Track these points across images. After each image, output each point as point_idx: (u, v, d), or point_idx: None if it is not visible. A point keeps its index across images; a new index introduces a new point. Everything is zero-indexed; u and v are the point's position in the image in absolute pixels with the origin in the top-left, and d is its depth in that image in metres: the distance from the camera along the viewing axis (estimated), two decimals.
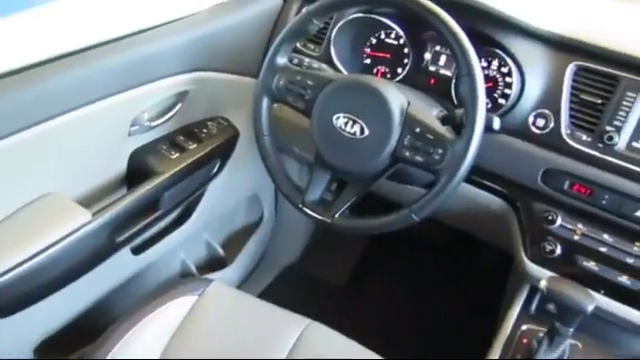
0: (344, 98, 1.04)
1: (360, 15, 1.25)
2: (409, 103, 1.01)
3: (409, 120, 0.99)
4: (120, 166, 1.26)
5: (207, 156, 1.33)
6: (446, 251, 1.92)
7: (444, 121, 1.03)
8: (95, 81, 1.07)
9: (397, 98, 1.01)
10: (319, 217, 1.08)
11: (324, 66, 1.22)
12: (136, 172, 1.26)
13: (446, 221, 1.45)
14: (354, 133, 1.01)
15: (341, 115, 1.03)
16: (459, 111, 1.00)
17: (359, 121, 1.01)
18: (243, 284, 1.82)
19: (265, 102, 1.13)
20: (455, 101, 1.18)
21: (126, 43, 1.13)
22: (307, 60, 1.20)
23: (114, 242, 1.16)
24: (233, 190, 1.60)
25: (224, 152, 1.41)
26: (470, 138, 0.94)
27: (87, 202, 1.19)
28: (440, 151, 0.96)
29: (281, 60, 1.11)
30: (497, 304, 1.42)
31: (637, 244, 1.05)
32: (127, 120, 1.19)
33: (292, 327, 1.09)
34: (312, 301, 1.49)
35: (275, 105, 1.15)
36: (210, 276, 1.62)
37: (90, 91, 1.07)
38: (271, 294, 1.81)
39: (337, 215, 1.06)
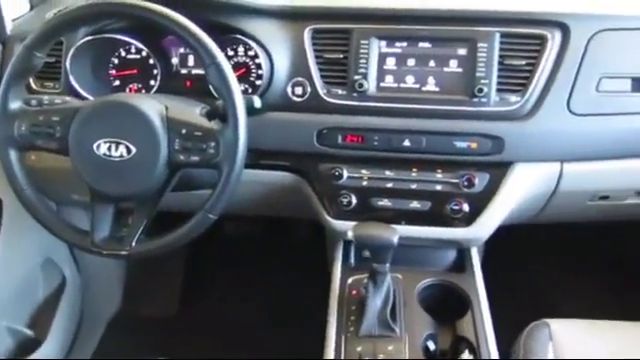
0: (98, 123, 0.97)
1: (91, 38, 1.18)
2: (167, 108, 0.98)
3: (172, 124, 0.96)
4: None
5: None
6: (263, 241, 1.94)
7: (209, 116, 1.02)
8: None
9: (153, 107, 0.98)
10: (116, 252, 1.01)
11: (68, 99, 1.13)
12: None
13: (249, 212, 1.46)
14: (121, 155, 0.96)
15: (101, 142, 0.96)
16: (219, 102, 1.00)
17: (122, 142, 0.96)
18: (70, 353, 1.65)
19: (12, 154, 1.01)
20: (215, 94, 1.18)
21: None
22: (47, 98, 1.10)
23: None
24: (17, 263, 1.43)
25: None
26: (236, 122, 0.94)
27: None
28: (213, 144, 0.95)
29: (15, 105, 1.00)
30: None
31: (414, 170, 1.16)
32: None
33: None
34: (150, 341, 1.41)
35: (33, 157, 1.04)
36: None
37: None
38: (105, 352, 1.67)
39: (134, 244, 1.00)
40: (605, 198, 1.25)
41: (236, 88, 0.95)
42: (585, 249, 1.85)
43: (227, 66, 0.96)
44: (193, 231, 0.99)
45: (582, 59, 1.09)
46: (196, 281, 1.91)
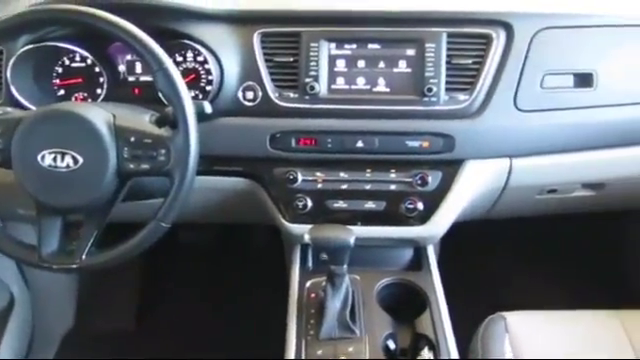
0: (43, 133, 0.94)
1: (32, 46, 1.14)
2: (114, 116, 0.96)
3: (120, 132, 0.94)
4: None
5: None
6: (220, 249, 1.92)
7: (159, 123, 1.00)
8: None
9: (100, 115, 0.95)
10: (65, 266, 0.98)
11: (10, 109, 1.09)
12: None
13: (204, 220, 1.44)
14: (67, 166, 0.93)
15: (46, 152, 0.93)
16: (168, 108, 0.98)
17: (68, 152, 0.93)
18: None
19: None
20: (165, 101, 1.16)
21: None
22: None
23: None
24: None
25: None
26: (186, 128, 0.93)
27: None
28: (163, 151, 0.93)
29: None
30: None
31: (368, 170, 1.16)
32: None
33: None
34: (106, 356, 1.37)
35: None
36: None
37: None
38: None
39: (84, 257, 0.97)
40: (553, 192, 1.29)
41: (185, 93, 0.94)
42: (537, 243, 1.90)
43: (175, 71, 0.94)
44: (146, 241, 0.96)
45: (526, 57, 1.12)
46: (152, 292, 1.87)
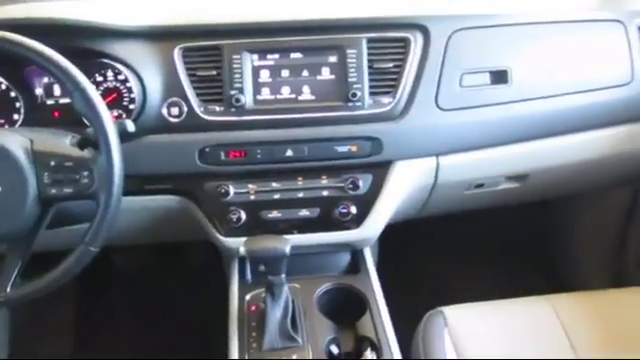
0: None
1: None
2: (32, 141, 0.93)
3: (39, 157, 0.91)
4: None
5: None
6: (158, 269, 1.88)
7: (81, 145, 0.98)
8: None
9: (16, 141, 0.92)
10: None
11: None
12: None
13: (138, 241, 1.41)
14: None
15: None
16: (89, 129, 0.96)
17: None
18: None
19: None
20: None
21: None
22: None
23: None
24: None
25: None
26: (109, 148, 0.91)
27: None
28: (86, 173, 0.91)
29: None
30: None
31: (300, 178, 1.17)
32: None
33: None
34: None
35: None
36: None
37: None
38: None
39: (9, 289, 0.93)
40: (480, 186, 1.33)
41: (105, 113, 0.92)
42: (471, 236, 1.96)
43: (93, 91, 0.92)
44: (75, 267, 0.93)
45: (444, 58, 1.15)
46: (90, 319, 1.81)
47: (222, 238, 1.16)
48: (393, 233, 1.36)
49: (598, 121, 1.28)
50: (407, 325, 1.21)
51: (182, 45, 1.12)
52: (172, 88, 1.12)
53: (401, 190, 1.19)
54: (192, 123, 1.12)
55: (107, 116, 0.92)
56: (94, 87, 0.94)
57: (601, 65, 1.24)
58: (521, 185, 1.36)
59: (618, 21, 1.24)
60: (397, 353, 1.05)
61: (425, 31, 1.15)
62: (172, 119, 1.12)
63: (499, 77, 1.18)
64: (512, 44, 1.20)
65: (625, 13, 1.25)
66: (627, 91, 1.24)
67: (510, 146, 1.24)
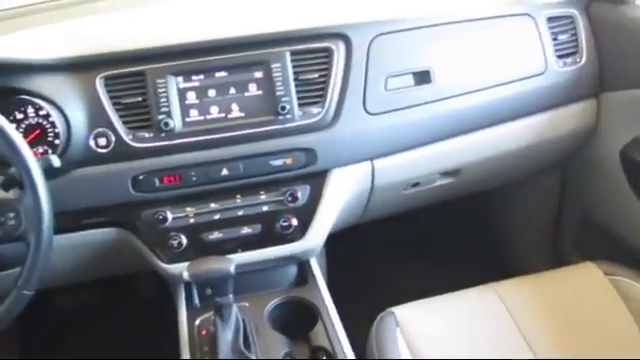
0: None
1: None
2: None
3: None
4: None
5: None
6: (105, 305, 1.82)
7: (6, 186, 0.94)
8: None
9: None
10: None
11: None
12: None
13: (80, 278, 1.37)
14: None
15: None
16: (12, 169, 0.93)
17: None
18: None
19: None
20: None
21: None
22: None
23: None
24: None
25: None
26: (34, 186, 0.88)
27: None
28: (12, 215, 0.88)
29: None
30: None
31: (238, 196, 1.16)
32: None
33: None
34: None
35: None
36: None
37: None
38: None
39: None
40: (417, 185, 1.36)
41: (26, 151, 0.89)
42: (416, 235, 2.00)
43: (11, 129, 0.89)
44: (9, 313, 0.90)
45: (367, 63, 1.17)
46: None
47: (165, 265, 1.14)
48: (339, 240, 1.37)
49: (519, 111, 1.33)
50: (361, 330, 1.22)
51: (103, 74, 1.10)
52: (97, 118, 1.09)
53: (340, 197, 1.21)
54: (122, 152, 1.10)
55: (29, 154, 0.89)
56: (13, 126, 0.91)
57: (517, 57, 1.30)
58: (456, 180, 1.40)
59: (527, 14, 1.30)
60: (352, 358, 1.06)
61: (346, 39, 1.17)
62: (100, 150, 1.09)
63: (422, 78, 1.21)
64: (432, 45, 1.24)
65: (533, 6, 1.31)
66: (543, 80, 1.31)
67: (440, 143, 1.28)
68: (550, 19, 1.32)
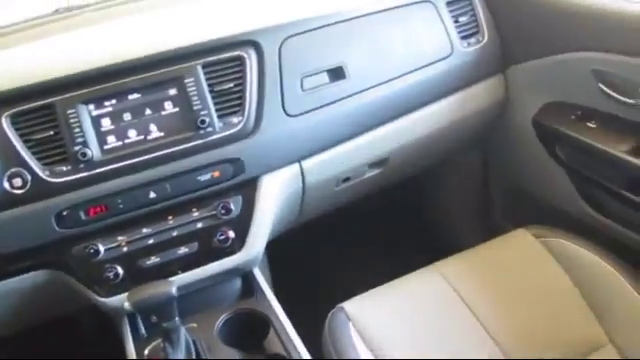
0: None
1: None
2: None
3: None
4: None
5: None
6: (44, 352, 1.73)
7: None
8: None
9: None
10: None
11: None
12: None
13: (15, 328, 1.30)
14: None
15: None
16: None
17: None
18: None
19: None
20: None
21: None
22: None
23: None
24: None
25: None
26: None
27: None
28: None
29: None
30: None
31: (170, 218, 1.14)
32: None
33: None
34: None
35: None
36: None
37: None
38: None
39: None
40: (347, 180, 1.38)
41: None
42: (355, 227, 2.02)
43: None
44: None
45: (280, 66, 1.18)
46: None
47: (103, 300, 1.10)
48: (279, 244, 1.37)
49: (433, 95, 1.38)
50: (315, 329, 1.22)
51: (9, 112, 1.04)
52: (9, 159, 1.04)
53: (273, 203, 1.20)
54: (40, 190, 1.05)
55: None
56: None
57: (423, 44, 1.34)
58: (384, 169, 1.42)
59: (428, 1, 1.34)
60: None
61: (256, 45, 1.17)
62: (17, 191, 1.04)
63: (336, 74, 1.23)
64: (342, 40, 1.26)
65: None
66: (451, 62, 1.36)
67: (363, 136, 1.30)
68: (449, 3, 1.38)
